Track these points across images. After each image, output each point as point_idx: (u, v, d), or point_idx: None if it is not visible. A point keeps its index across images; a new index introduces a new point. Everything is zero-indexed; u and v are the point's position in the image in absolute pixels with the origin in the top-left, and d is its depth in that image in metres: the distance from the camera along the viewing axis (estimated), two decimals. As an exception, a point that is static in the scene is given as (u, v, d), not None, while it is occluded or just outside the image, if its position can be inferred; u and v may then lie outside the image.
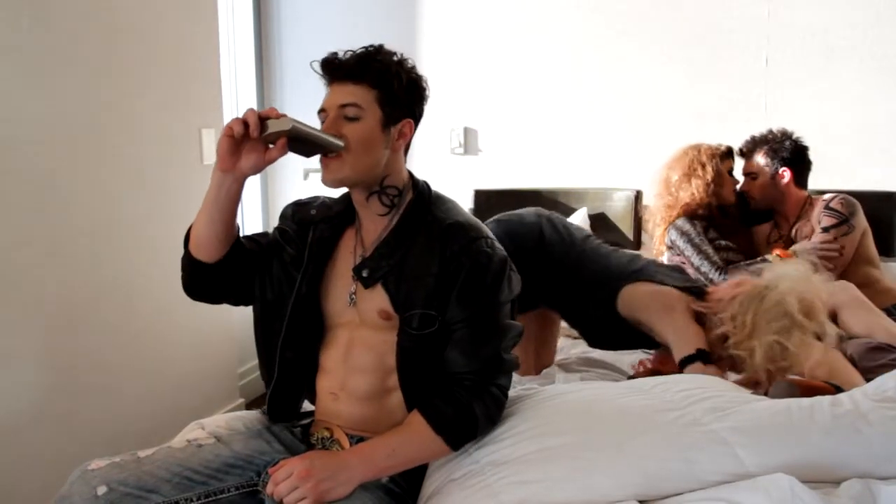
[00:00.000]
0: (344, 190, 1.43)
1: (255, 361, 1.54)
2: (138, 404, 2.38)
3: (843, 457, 1.23)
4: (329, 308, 1.42)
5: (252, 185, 3.50)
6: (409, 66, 1.36)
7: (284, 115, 1.24)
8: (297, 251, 1.42)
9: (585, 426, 1.31)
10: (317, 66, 1.34)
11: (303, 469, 1.20)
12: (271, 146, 1.27)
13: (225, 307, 2.78)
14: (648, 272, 1.96)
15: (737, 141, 2.61)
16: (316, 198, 1.51)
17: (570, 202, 3.14)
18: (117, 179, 2.28)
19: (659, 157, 2.68)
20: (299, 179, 3.37)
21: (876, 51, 2.89)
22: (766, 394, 1.63)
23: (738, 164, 2.60)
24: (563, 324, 2.48)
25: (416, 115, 1.39)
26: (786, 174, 2.49)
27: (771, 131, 2.53)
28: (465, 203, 3.17)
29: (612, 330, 1.94)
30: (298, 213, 1.47)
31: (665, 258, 2.54)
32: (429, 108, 1.43)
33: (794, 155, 2.49)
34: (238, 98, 3.43)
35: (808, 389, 1.57)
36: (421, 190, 1.41)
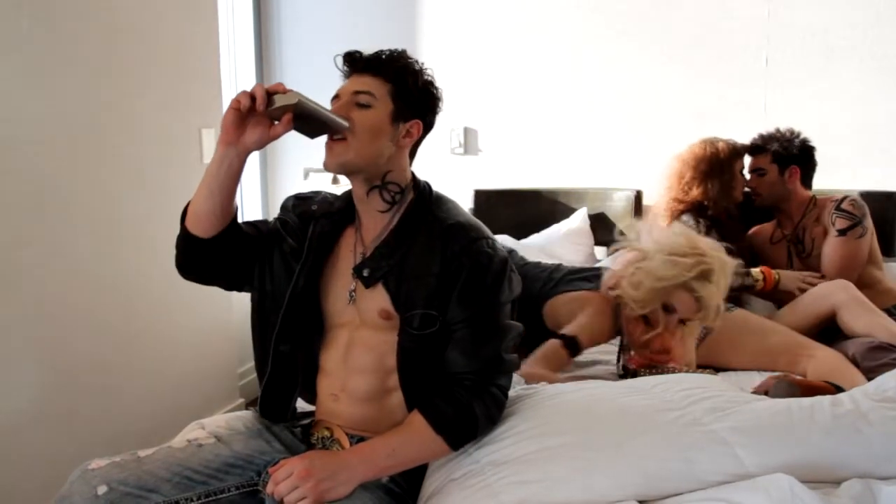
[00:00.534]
0: (346, 188, 1.43)
1: (256, 361, 1.54)
2: (138, 404, 2.38)
3: (844, 457, 1.23)
4: (328, 307, 1.42)
5: (252, 183, 3.50)
6: (429, 74, 1.38)
7: (291, 91, 1.24)
8: (297, 243, 1.42)
9: (585, 426, 1.31)
10: (338, 61, 1.36)
11: (303, 469, 1.20)
12: (276, 122, 1.27)
13: (225, 307, 2.79)
14: (565, 283, 2.13)
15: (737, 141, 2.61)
16: (317, 192, 1.51)
17: (570, 202, 3.14)
18: (117, 179, 2.28)
19: (659, 157, 2.68)
20: (299, 179, 3.37)
21: (876, 51, 2.89)
22: (766, 393, 1.63)
23: (745, 162, 2.59)
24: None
25: (427, 121, 1.39)
26: (795, 171, 2.49)
27: (778, 130, 2.53)
28: (465, 203, 3.17)
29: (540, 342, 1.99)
30: (299, 206, 1.47)
31: None
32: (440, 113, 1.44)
33: (802, 153, 2.50)
34: (238, 98, 3.43)
35: (808, 389, 1.57)
36: (422, 190, 1.41)
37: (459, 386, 1.30)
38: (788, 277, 2.37)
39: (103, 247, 2.24)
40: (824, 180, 2.62)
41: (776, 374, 1.91)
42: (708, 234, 2.44)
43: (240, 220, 1.41)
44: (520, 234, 3.02)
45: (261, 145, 1.29)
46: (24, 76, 1.95)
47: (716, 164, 2.47)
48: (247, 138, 1.28)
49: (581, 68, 3.20)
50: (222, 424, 1.48)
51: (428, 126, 1.40)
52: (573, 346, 1.94)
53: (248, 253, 1.41)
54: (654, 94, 3.13)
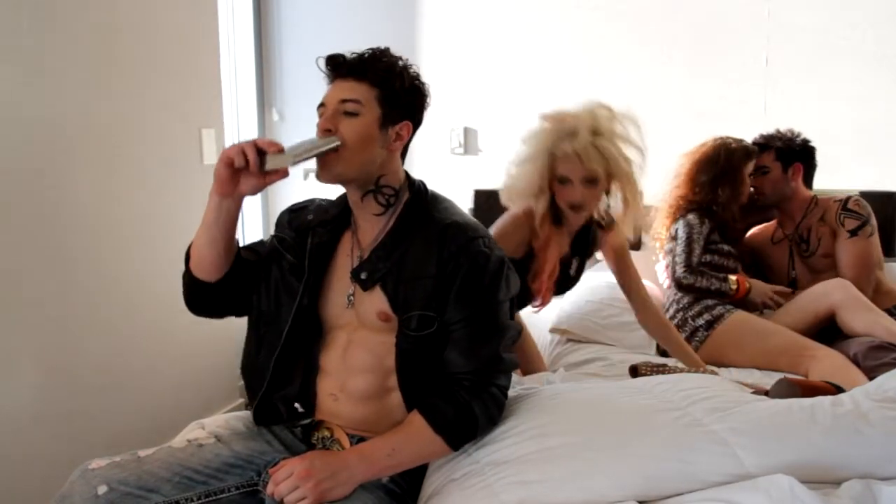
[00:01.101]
0: (341, 190, 1.43)
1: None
2: (138, 404, 2.38)
3: (844, 457, 1.23)
4: (327, 312, 1.42)
5: (252, 185, 3.50)
6: (414, 71, 1.37)
7: (282, 151, 1.24)
8: (296, 258, 1.42)
9: (585, 426, 1.31)
10: (321, 63, 1.35)
11: (303, 469, 1.20)
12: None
13: (225, 307, 2.79)
14: None
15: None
16: (311, 201, 1.51)
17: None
18: (117, 179, 2.28)
19: (658, 156, 2.67)
20: (299, 179, 3.36)
21: (876, 51, 2.89)
22: (766, 393, 1.63)
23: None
24: (563, 325, 2.48)
25: (416, 120, 1.39)
26: (799, 169, 2.49)
27: (778, 130, 2.53)
28: (465, 203, 3.17)
29: None
30: (295, 219, 1.48)
31: (666, 249, 2.53)
32: (429, 108, 1.43)
33: (804, 152, 2.50)
34: (238, 98, 3.43)
35: (808, 389, 1.57)
36: (417, 190, 1.41)
37: (459, 386, 1.30)
38: (759, 290, 2.40)
39: (103, 247, 2.23)
40: (824, 180, 2.62)
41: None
42: (711, 234, 2.44)
43: (241, 231, 1.41)
44: (520, 234, 3.01)
45: (257, 191, 1.30)
46: (24, 76, 1.95)
47: (729, 169, 2.44)
48: (242, 188, 1.28)
49: (581, 68, 3.20)
50: (222, 424, 1.48)
51: (417, 124, 1.40)
52: None
53: (252, 281, 1.43)
54: (654, 93, 3.13)
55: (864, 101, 2.91)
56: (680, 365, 2.15)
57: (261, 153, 1.24)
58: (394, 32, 3.33)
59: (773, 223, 2.63)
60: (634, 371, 2.00)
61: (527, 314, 2.17)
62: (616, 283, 2.61)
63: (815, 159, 2.53)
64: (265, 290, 1.43)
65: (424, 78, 1.40)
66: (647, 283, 2.61)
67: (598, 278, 2.67)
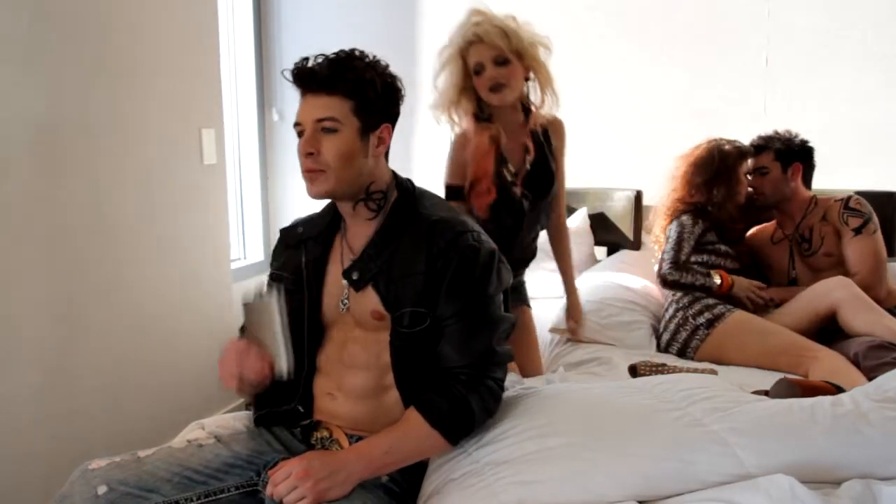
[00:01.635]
0: None
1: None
2: (138, 404, 2.38)
3: (844, 457, 1.23)
4: (323, 314, 1.43)
5: (252, 183, 3.49)
6: (382, 69, 1.35)
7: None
8: (294, 274, 1.44)
9: (586, 426, 1.31)
10: (287, 75, 1.34)
11: (301, 469, 1.20)
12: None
13: (225, 307, 2.79)
14: None
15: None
16: (299, 219, 1.53)
17: (570, 202, 3.13)
18: (117, 179, 2.28)
19: (659, 156, 2.68)
20: (299, 179, 3.36)
21: (876, 51, 2.88)
22: (766, 393, 1.63)
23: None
24: (563, 325, 2.49)
25: (394, 117, 1.39)
26: (798, 169, 2.49)
27: (777, 132, 2.54)
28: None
29: None
30: (286, 238, 1.50)
31: (664, 249, 2.53)
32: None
33: (803, 152, 2.50)
34: (238, 98, 3.43)
35: (808, 389, 1.57)
36: (405, 188, 1.42)
37: (455, 380, 1.31)
38: (741, 286, 2.40)
39: (103, 247, 2.23)
40: (824, 180, 2.62)
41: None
42: (704, 234, 2.45)
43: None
44: (520, 234, 3.02)
45: (262, 379, 1.34)
46: (23, 76, 1.95)
47: (723, 170, 2.45)
48: (248, 388, 1.35)
49: (581, 68, 3.20)
50: (222, 425, 1.48)
51: (396, 119, 1.40)
52: (448, 192, 1.97)
53: None
54: (654, 93, 3.13)
55: (864, 101, 2.90)
56: (679, 364, 2.16)
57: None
58: (394, 32, 3.33)
59: (772, 223, 2.63)
60: (634, 371, 2.00)
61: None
62: (616, 284, 2.62)
63: (813, 159, 2.54)
64: None
65: (395, 73, 1.38)
66: (647, 284, 2.63)
67: (597, 278, 2.68)
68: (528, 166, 2.01)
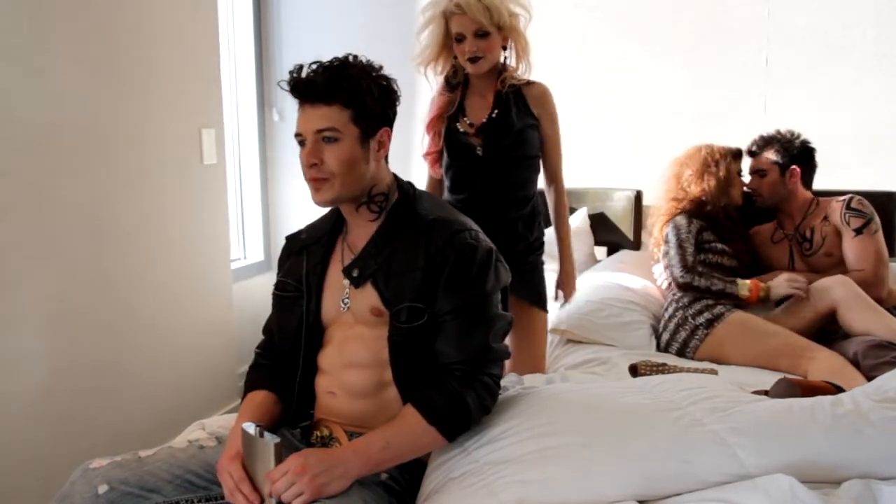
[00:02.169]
0: None
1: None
2: (138, 404, 2.38)
3: (844, 457, 1.23)
4: (324, 315, 1.44)
5: (252, 183, 3.50)
6: (377, 74, 1.37)
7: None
8: (296, 282, 1.45)
9: (586, 426, 1.32)
10: (285, 86, 1.36)
11: (298, 465, 1.20)
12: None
13: (225, 307, 2.79)
14: None
15: (737, 140, 2.61)
16: (304, 226, 1.55)
17: (570, 202, 3.11)
18: (117, 179, 2.28)
19: (659, 157, 2.68)
20: (299, 179, 3.36)
21: (876, 51, 2.89)
22: (766, 393, 1.64)
23: (744, 165, 2.60)
24: (563, 325, 2.49)
25: (391, 120, 1.41)
26: (796, 171, 2.49)
27: (778, 131, 2.54)
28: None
29: None
30: (291, 245, 1.52)
31: (662, 251, 2.54)
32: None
33: (803, 154, 2.50)
34: (238, 98, 3.43)
35: (808, 389, 1.57)
36: (406, 190, 1.43)
37: (451, 377, 1.31)
38: (778, 287, 2.34)
39: (103, 247, 2.23)
40: (825, 180, 2.62)
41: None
42: (700, 233, 2.46)
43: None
44: (520, 234, 3.01)
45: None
46: (23, 76, 1.95)
47: (711, 161, 2.50)
48: None
49: (581, 68, 3.20)
50: (223, 425, 1.49)
51: (393, 120, 1.42)
52: None
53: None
54: (654, 94, 3.13)
55: (864, 102, 2.90)
56: (679, 364, 2.16)
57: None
58: (394, 32, 3.33)
59: (772, 223, 2.63)
60: (634, 370, 2.01)
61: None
62: (616, 284, 2.62)
63: (813, 160, 2.54)
64: (275, 314, 1.49)
65: (391, 75, 1.39)
66: (647, 284, 2.63)
67: (597, 278, 2.68)
68: (484, 119, 2.11)
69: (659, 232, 2.58)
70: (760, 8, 2.98)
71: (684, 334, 2.35)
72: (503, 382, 1.47)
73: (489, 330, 1.34)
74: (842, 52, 2.92)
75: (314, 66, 1.34)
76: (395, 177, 1.45)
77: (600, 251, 3.10)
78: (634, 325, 2.47)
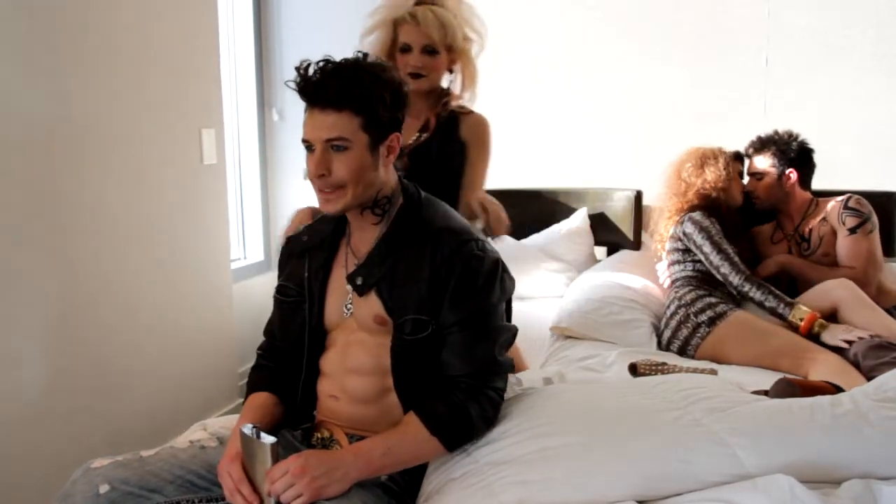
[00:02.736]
0: None
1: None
2: (139, 404, 2.38)
3: (844, 457, 1.23)
4: (327, 319, 1.44)
5: (252, 183, 3.49)
6: (388, 77, 1.32)
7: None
8: (297, 286, 1.44)
9: (585, 426, 1.32)
10: (292, 85, 1.33)
11: (297, 466, 1.20)
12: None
13: (225, 307, 2.79)
14: None
15: (737, 140, 2.61)
16: (304, 227, 1.53)
17: (570, 202, 3.14)
18: (117, 179, 2.28)
19: (659, 157, 2.68)
20: (299, 179, 3.37)
21: (876, 51, 2.89)
22: (766, 393, 1.64)
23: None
24: (563, 323, 2.49)
25: (401, 124, 1.37)
26: (792, 175, 2.49)
27: (776, 132, 2.53)
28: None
29: None
30: (292, 247, 1.50)
31: (668, 248, 2.53)
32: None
33: (800, 156, 2.50)
34: (238, 98, 3.43)
35: (808, 389, 1.57)
36: (410, 195, 1.41)
37: (455, 388, 1.31)
38: (834, 333, 2.15)
39: (103, 247, 2.23)
40: (824, 180, 2.62)
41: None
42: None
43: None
44: (520, 234, 3.02)
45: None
46: (23, 76, 1.95)
47: (709, 155, 2.50)
48: None
49: (581, 68, 3.20)
50: (224, 425, 1.49)
51: (402, 123, 1.38)
52: None
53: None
54: (654, 94, 3.13)
55: (864, 102, 2.91)
56: (679, 364, 2.16)
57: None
58: (394, 32, 3.33)
59: (771, 223, 2.63)
60: (634, 369, 2.01)
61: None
62: (616, 283, 2.62)
63: (812, 161, 2.53)
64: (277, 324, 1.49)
65: (399, 77, 1.36)
66: (647, 283, 2.63)
67: (597, 278, 2.68)
68: (411, 142, 1.97)
69: (665, 230, 2.57)
70: (760, 8, 2.99)
71: (686, 332, 2.35)
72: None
73: (495, 342, 1.34)
74: (842, 52, 2.92)
75: (322, 65, 1.30)
76: (400, 179, 1.42)
77: (600, 251, 3.10)
78: (635, 322, 2.47)
